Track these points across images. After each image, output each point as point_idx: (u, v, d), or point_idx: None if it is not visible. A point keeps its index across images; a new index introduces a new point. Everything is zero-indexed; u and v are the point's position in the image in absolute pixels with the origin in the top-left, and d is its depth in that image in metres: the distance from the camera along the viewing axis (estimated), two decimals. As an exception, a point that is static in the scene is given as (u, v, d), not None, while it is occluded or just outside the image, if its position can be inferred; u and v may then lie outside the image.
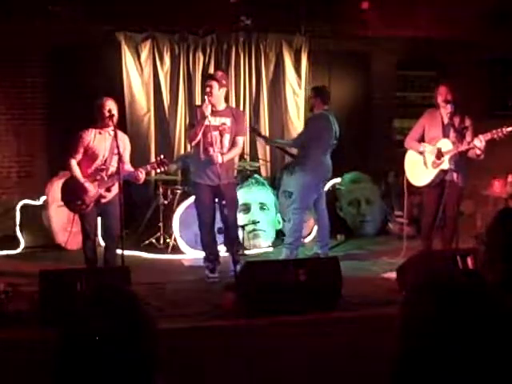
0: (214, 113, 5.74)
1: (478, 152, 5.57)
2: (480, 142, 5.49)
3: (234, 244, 5.97)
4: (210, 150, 5.69)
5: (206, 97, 5.71)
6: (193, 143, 5.80)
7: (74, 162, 5.43)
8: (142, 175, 5.46)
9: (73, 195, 5.47)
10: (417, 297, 1.26)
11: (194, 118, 5.87)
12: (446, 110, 5.77)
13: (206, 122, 5.60)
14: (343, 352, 3.99)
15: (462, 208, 6.36)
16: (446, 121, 5.83)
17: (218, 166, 5.60)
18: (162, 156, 5.64)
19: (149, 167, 5.57)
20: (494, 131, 5.50)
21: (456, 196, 5.79)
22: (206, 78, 6.08)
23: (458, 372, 1.15)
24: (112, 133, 5.40)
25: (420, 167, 5.95)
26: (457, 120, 5.80)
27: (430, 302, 1.22)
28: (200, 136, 5.70)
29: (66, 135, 5.72)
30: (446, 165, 5.74)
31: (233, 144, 5.83)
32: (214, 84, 5.73)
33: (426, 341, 1.18)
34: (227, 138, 5.80)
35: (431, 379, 1.17)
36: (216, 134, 5.73)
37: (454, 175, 5.70)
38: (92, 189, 5.40)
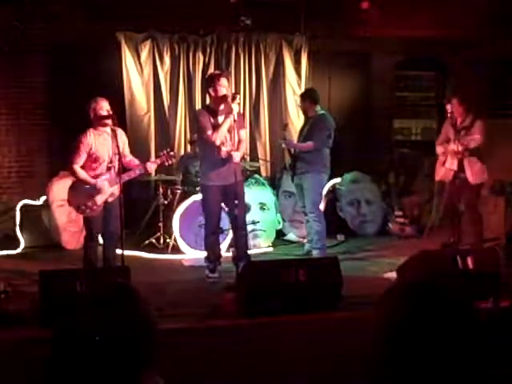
0: (221, 112, 5.75)
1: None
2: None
3: (245, 242, 5.97)
4: (223, 148, 5.70)
5: (236, 95, 5.69)
6: (218, 142, 5.70)
7: (78, 168, 5.39)
8: (150, 168, 5.63)
9: (82, 197, 5.43)
10: (386, 300, 1.27)
11: (208, 120, 5.78)
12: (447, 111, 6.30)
13: (231, 120, 5.64)
14: (343, 352, 3.99)
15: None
16: (458, 124, 6.31)
17: (234, 164, 5.64)
18: (168, 149, 5.83)
19: (158, 160, 5.71)
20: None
21: (464, 191, 6.29)
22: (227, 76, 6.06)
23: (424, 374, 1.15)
24: (110, 131, 5.41)
25: (439, 165, 6.55)
26: (459, 120, 6.23)
27: (396, 306, 1.23)
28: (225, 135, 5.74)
29: (66, 135, 5.73)
30: (448, 163, 6.27)
31: (239, 140, 5.85)
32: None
33: (393, 343, 1.19)
34: (235, 134, 5.80)
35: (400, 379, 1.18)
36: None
37: (466, 173, 6.23)
38: (106, 187, 5.41)
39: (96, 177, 5.43)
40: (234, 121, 5.66)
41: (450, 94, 6.20)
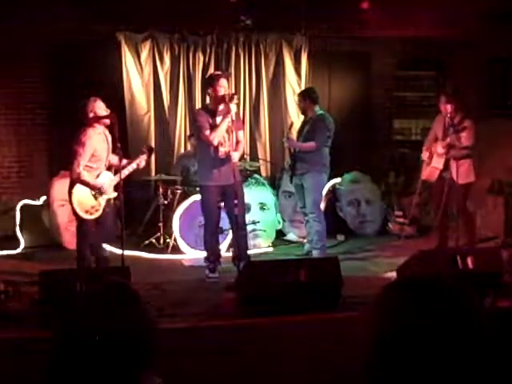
0: (219, 112, 5.76)
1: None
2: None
3: (245, 242, 6.00)
4: (221, 149, 5.70)
5: (234, 95, 5.71)
6: (215, 142, 5.72)
7: (83, 171, 5.29)
8: (141, 164, 5.65)
9: (89, 201, 5.39)
10: (385, 299, 1.27)
11: (207, 120, 5.79)
12: (445, 111, 6.20)
13: (229, 120, 5.65)
14: (343, 352, 3.99)
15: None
16: (446, 123, 6.27)
17: (232, 164, 5.66)
18: (146, 146, 5.95)
19: (145, 156, 5.74)
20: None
21: (452, 192, 6.23)
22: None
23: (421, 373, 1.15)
24: (103, 130, 5.40)
25: (425, 165, 6.53)
26: (456, 120, 6.17)
27: (395, 305, 1.23)
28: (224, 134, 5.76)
29: (66, 135, 5.70)
30: (434, 162, 6.32)
31: (237, 141, 5.86)
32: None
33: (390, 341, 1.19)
34: (233, 134, 5.81)
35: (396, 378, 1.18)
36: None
37: (452, 172, 6.13)
38: (108, 186, 5.40)
39: (97, 177, 5.42)
40: (232, 121, 5.66)
41: (449, 100, 6.23)
